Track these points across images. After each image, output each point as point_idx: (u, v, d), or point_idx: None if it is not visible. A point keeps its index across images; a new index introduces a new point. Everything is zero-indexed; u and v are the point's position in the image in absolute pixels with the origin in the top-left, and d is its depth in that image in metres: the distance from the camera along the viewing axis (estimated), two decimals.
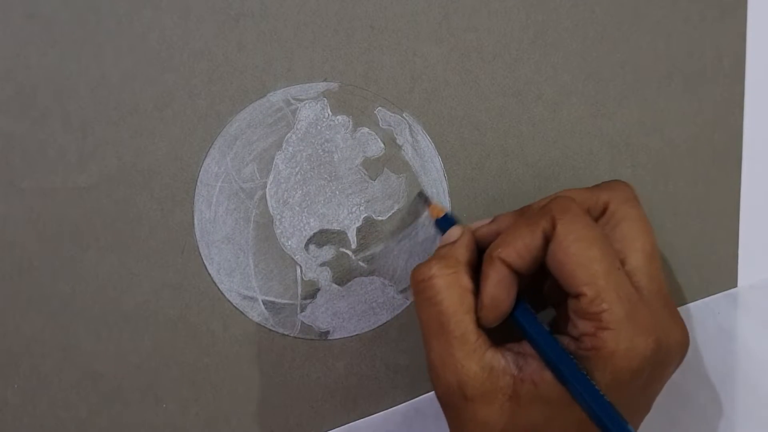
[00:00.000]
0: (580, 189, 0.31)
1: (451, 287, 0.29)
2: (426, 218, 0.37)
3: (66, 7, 0.35)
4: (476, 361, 0.28)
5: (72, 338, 0.36)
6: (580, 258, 0.28)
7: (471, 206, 0.38)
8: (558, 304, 0.32)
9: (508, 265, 0.29)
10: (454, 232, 0.32)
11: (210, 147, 0.36)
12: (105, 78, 0.36)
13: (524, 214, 0.31)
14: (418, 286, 0.30)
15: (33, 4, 0.35)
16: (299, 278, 0.37)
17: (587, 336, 0.28)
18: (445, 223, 0.34)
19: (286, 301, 0.37)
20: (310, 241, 0.37)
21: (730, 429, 0.37)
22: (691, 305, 0.38)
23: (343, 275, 0.37)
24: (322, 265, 0.37)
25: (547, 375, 0.28)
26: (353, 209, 0.37)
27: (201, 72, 0.36)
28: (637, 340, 0.27)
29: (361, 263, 0.37)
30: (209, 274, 0.37)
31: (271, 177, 0.37)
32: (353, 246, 0.37)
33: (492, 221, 0.32)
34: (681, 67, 0.39)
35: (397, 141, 0.37)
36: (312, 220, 0.37)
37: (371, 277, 0.37)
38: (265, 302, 0.37)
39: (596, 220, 0.31)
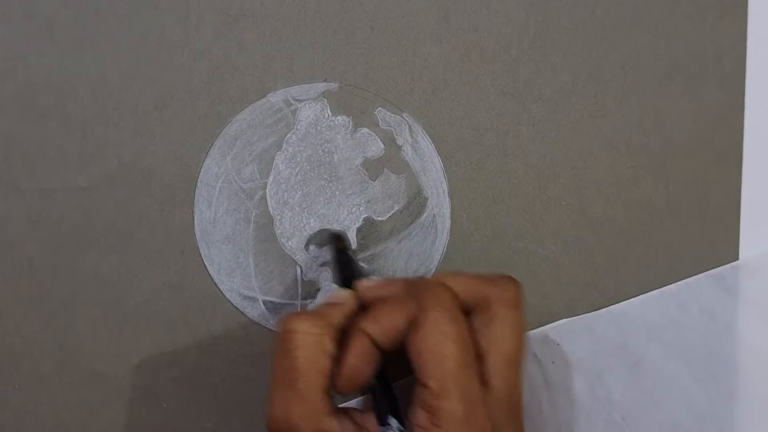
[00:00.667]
0: (469, 275, 0.31)
1: (311, 347, 0.29)
2: (426, 218, 0.37)
3: (66, 8, 0.35)
4: (311, 422, 0.28)
5: (72, 338, 0.36)
6: (435, 351, 0.28)
7: (471, 206, 0.38)
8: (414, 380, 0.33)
9: (372, 340, 0.29)
10: (342, 295, 0.32)
11: (210, 147, 0.36)
12: (105, 78, 0.36)
13: (407, 289, 0.31)
14: (281, 335, 0.30)
15: (33, 5, 0.35)
16: (299, 278, 0.37)
17: (421, 429, 0.28)
18: (345, 276, 0.34)
19: (286, 301, 0.37)
20: (310, 241, 0.37)
21: (713, 409, 0.37)
22: (673, 286, 0.38)
23: None
24: (323, 265, 0.37)
25: None
26: (353, 210, 0.37)
27: (201, 72, 0.36)
28: None
29: (361, 263, 0.37)
30: (209, 275, 0.37)
31: (271, 177, 0.37)
32: (353, 246, 0.37)
33: (382, 284, 0.32)
34: (681, 68, 0.39)
35: (397, 141, 0.37)
36: (312, 220, 0.37)
37: (371, 278, 0.37)
38: (265, 302, 0.37)
39: (476, 312, 0.31)
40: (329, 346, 0.29)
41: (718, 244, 0.39)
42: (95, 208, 0.36)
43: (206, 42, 0.36)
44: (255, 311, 0.37)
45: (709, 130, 0.39)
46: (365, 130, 0.37)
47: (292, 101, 0.37)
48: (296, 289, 0.37)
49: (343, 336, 0.30)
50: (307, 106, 0.37)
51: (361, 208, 0.37)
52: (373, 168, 0.37)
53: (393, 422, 0.29)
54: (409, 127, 0.37)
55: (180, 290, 0.36)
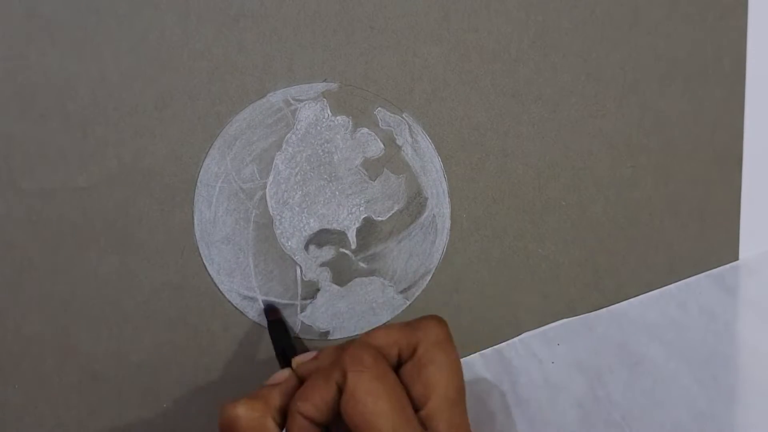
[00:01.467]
0: (393, 327, 0.31)
1: (252, 430, 0.29)
2: (426, 218, 0.37)
3: (66, 8, 0.35)
4: None
5: (72, 338, 0.36)
6: (366, 413, 0.28)
7: (471, 207, 0.38)
8: None
9: (309, 418, 0.29)
10: (279, 376, 0.32)
11: (210, 147, 0.36)
12: (105, 78, 0.36)
13: (333, 359, 0.31)
14: (223, 423, 0.29)
15: (33, 4, 0.35)
16: (299, 278, 0.37)
17: None
18: (284, 355, 0.34)
19: (286, 302, 0.37)
20: (310, 241, 0.37)
21: (713, 409, 0.37)
22: (673, 286, 0.38)
23: (343, 275, 0.37)
24: (322, 265, 0.37)
25: None
26: (353, 210, 0.37)
27: (201, 72, 0.36)
28: None
29: (361, 263, 0.37)
30: (209, 275, 0.37)
31: (270, 177, 0.37)
32: (353, 246, 0.37)
33: (315, 357, 0.32)
34: (681, 68, 0.39)
35: (397, 141, 0.37)
36: (312, 220, 0.37)
37: (371, 278, 0.37)
38: (264, 302, 0.37)
39: (407, 362, 0.30)
40: (272, 427, 0.29)
41: (718, 244, 0.39)
42: (95, 208, 0.36)
43: (206, 42, 0.36)
44: (254, 311, 0.37)
45: (709, 130, 0.39)
46: (365, 130, 0.37)
47: (292, 101, 0.37)
48: (296, 290, 0.37)
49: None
50: (306, 106, 0.37)
51: (360, 208, 0.37)
52: (372, 168, 0.37)
53: None
54: (409, 127, 0.37)
55: (180, 290, 0.36)
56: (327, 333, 0.37)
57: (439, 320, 0.31)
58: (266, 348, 0.37)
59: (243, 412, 0.29)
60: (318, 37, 0.37)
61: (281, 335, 0.35)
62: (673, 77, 0.39)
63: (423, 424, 0.29)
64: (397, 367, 0.30)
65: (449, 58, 0.37)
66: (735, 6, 0.39)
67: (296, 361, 0.32)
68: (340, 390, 0.28)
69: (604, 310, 0.38)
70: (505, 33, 0.38)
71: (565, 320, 0.38)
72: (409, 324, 0.31)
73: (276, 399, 0.30)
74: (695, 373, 0.37)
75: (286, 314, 0.37)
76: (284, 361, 0.33)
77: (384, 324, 0.31)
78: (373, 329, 0.30)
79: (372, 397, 0.28)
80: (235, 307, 0.37)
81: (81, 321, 0.36)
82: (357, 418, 0.28)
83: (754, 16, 0.39)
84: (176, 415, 0.37)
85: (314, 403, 0.29)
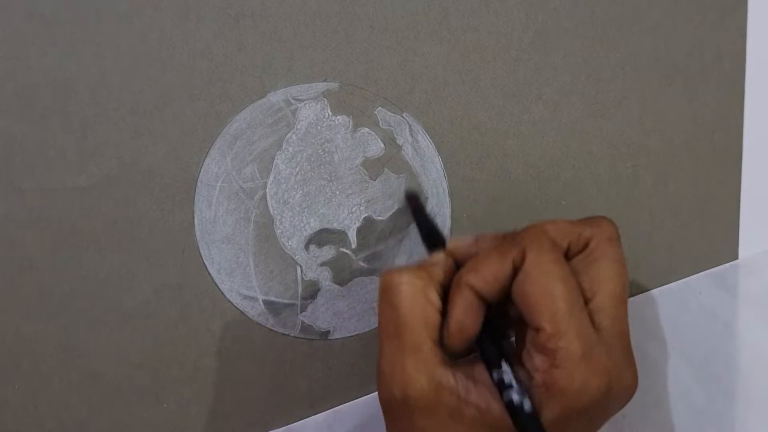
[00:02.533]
0: (564, 221, 0.31)
1: (415, 297, 0.29)
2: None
3: (66, 8, 0.35)
4: (425, 373, 0.28)
5: (72, 338, 0.36)
6: (545, 292, 0.28)
7: (471, 206, 0.38)
8: (519, 330, 0.32)
9: (476, 292, 0.29)
10: (437, 257, 0.31)
11: (210, 147, 0.36)
12: (105, 78, 0.36)
13: (503, 239, 0.31)
14: (385, 288, 0.29)
15: (33, 4, 0.35)
16: (299, 278, 0.37)
17: (540, 372, 0.28)
18: (431, 237, 0.33)
19: (286, 301, 0.37)
20: (310, 241, 0.37)
21: (713, 407, 0.37)
22: (673, 285, 0.38)
23: (344, 275, 0.37)
24: (323, 265, 0.37)
25: (495, 405, 0.28)
26: (353, 209, 0.37)
27: (201, 72, 0.36)
28: (589, 381, 0.27)
29: (361, 263, 0.37)
30: (209, 274, 0.37)
31: (271, 177, 0.37)
32: (353, 246, 0.37)
33: (473, 241, 0.32)
34: (681, 67, 0.39)
35: (397, 141, 0.37)
36: (312, 220, 0.37)
37: (371, 277, 0.37)
38: (265, 302, 0.37)
39: (576, 255, 0.30)
40: (434, 297, 0.29)
41: (717, 244, 0.39)
42: (95, 208, 0.36)
43: (206, 42, 0.36)
44: (255, 311, 0.37)
45: (708, 129, 0.39)
46: (365, 129, 0.37)
47: (293, 101, 0.37)
48: (296, 289, 0.37)
49: (445, 294, 0.30)
50: (307, 105, 0.37)
51: (361, 208, 0.37)
52: (373, 167, 0.37)
53: (505, 366, 0.28)
54: (409, 126, 0.37)
55: (180, 290, 0.36)
56: (327, 332, 0.37)
57: (610, 220, 0.31)
58: (266, 348, 0.37)
59: (407, 278, 0.29)
60: (318, 37, 0.37)
61: (426, 219, 0.34)
62: (673, 77, 0.39)
63: (590, 319, 0.29)
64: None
65: (449, 57, 0.37)
66: (735, 6, 0.39)
67: (452, 242, 0.32)
68: (515, 269, 0.29)
69: None
70: (506, 33, 0.38)
71: None
72: (582, 220, 0.31)
73: (438, 274, 0.30)
74: (695, 371, 0.38)
75: (287, 314, 0.37)
76: (430, 244, 0.33)
77: (553, 218, 0.31)
78: (546, 220, 0.30)
79: (552, 278, 0.28)
80: (235, 307, 0.37)
81: (81, 321, 0.36)
82: (533, 298, 0.28)
83: (754, 16, 0.39)
84: (176, 415, 0.37)
85: (485, 276, 0.29)
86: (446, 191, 0.38)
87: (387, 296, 0.29)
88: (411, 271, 0.29)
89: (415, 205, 0.36)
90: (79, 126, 0.36)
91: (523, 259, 0.29)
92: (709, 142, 0.39)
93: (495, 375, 0.28)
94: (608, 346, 0.29)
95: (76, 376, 0.36)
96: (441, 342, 0.29)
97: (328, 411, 0.37)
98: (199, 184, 0.36)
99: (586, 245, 0.30)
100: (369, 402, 0.37)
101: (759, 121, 0.39)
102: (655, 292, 0.38)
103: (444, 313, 0.29)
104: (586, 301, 0.29)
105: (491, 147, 0.38)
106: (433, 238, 0.33)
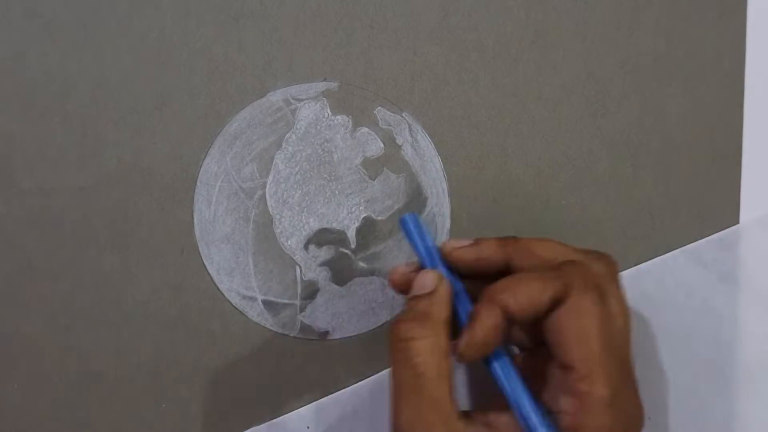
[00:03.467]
0: (604, 260, 0.31)
1: (430, 351, 0.28)
2: (426, 217, 0.37)
3: (66, 7, 0.35)
4: (448, 428, 0.28)
5: (72, 338, 0.36)
6: (582, 333, 0.28)
7: (471, 206, 0.38)
8: (529, 362, 0.32)
9: (507, 312, 0.28)
10: (428, 280, 0.31)
11: (210, 146, 0.36)
12: (105, 78, 0.36)
13: (538, 270, 0.30)
14: (397, 345, 0.29)
15: (33, 4, 0.35)
16: (299, 278, 0.37)
17: (569, 415, 0.28)
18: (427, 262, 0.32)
19: (285, 301, 0.37)
20: (309, 241, 0.37)
21: (694, 385, 0.37)
22: (649, 263, 0.38)
23: (343, 275, 0.37)
24: (322, 265, 0.37)
25: None
26: (353, 209, 0.37)
27: (201, 71, 0.36)
28: (614, 427, 0.27)
29: (360, 263, 0.37)
30: (209, 274, 0.36)
31: (270, 177, 0.37)
32: (353, 246, 0.37)
33: (473, 244, 0.32)
34: (681, 67, 0.39)
35: (397, 141, 0.37)
36: (311, 219, 0.37)
37: (371, 277, 0.37)
38: (264, 302, 0.37)
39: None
40: (446, 344, 0.29)
41: None
42: (95, 207, 0.36)
43: (206, 41, 0.36)
44: (254, 311, 0.37)
45: (708, 129, 0.39)
46: (365, 129, 0.37)
47: (292, 100, 0.37)
48: (295, 289, 0.37)
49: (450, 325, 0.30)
50: (306, 105, 0.37)
51: (360, 208, 0.37)
52: (372, 167, 0.37)
53: (532, 407, 0.28)
54: (409, 126, 0.37)
55: (179, 290, 0.36)
56: (327, 333, 0.37)
57: (610, 259, 0.31)
58: (265, 348, 0.37)
59: (418, 332, 0.29)
60: (318, 37, 0.37)
61: (421, 244, 0.33)
62: (673, 76, 0.39)
63: None
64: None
65: (449, 57, 0.37)
66: (734, 5, 0.39)
67: (449, 244, 0.32)
68: (554, 302, 0.28)
69: None
70: (505, 32, 0.38)
71: None
72: (584, 254, 0.31)
73: (443, 312, 0.30)
74: (674, 349, 0.37)
75: (286, 314, 0.37)
76: (424, 260, 0.32)
77: (598, 253, 0.31)
78: (592, 257, 0.30)
79: (591, 319, 0.28)
80: (235, 307, 0.37)
81: (81, 320, 0.36)
82: (570, 337, 0.28)
83: (754, 16, 0.39)
84: (176, 415, 0.37)
85: (520, 299, 0.28)
86: (446, 191, 0.38)
87: (401, 354, 0.29)
88: (420, 321, 0.29)
89: (407, 230, 0.35)
90: (78, 125, 0.36)
91: (567, 295, 0.28)
92: (709, 141, 0.39)
93: (521, 414, 0.28)
94: (629, 386, 0.29)
95: (75, 376, 0.36)
96: (456, 352, 0.29)
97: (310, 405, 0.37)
98: (198, 183, 0.36)
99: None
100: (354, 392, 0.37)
101: (759, 120, 0.39)
102: (630, 270, 0.38)
103: (454, 324, 0.29)
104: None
105: (491, 146, 0.38)
106: (425, 254, 0.32)
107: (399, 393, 0.29)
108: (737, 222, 0.39)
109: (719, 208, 0.39)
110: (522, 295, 0.28)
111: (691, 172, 0.39)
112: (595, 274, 0.30)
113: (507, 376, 0.29)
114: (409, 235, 0.33)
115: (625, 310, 0.30)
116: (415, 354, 0.28)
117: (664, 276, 0.38)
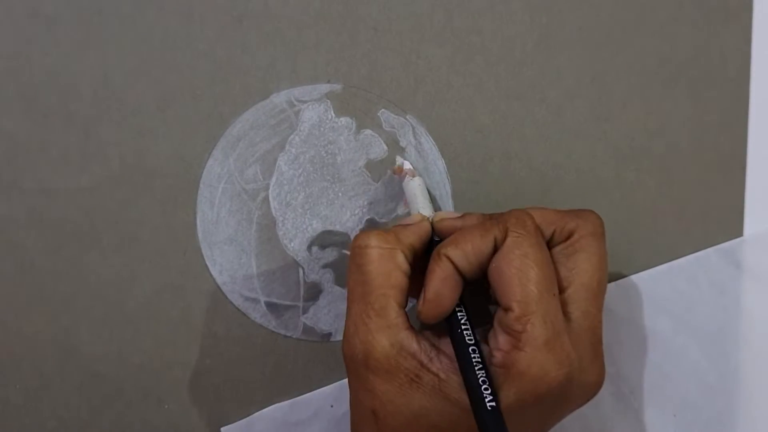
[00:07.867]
0: (551, 210, 0.31)
1: (383, 261, 0.29)
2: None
3: (69, 7, 0.35)
4: (388, 336, 0.29)
5: (74, 339, 0.36)
6: (520, 274, 0.28)
7: (474, 209, 0.38)
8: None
9: (455, 265, 0.29)
10: (415, 217, 0.33)
11: (213, 148, 0.36)
12: (108, 78, 0.36)
13: (488, 218, 0.31)
14: (354, 250, 0.30)
15: (36, 4, 0.35)
16: (302, 280, 0.37)
17: (502, 351, 0.28)
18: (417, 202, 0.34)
19: (288, 303, 0.37)
20: (312, 242, 0.37)
21: (723, 383, 0.37)
22: (682, 260, 0.38)
23: (346, 277, 0.37)
24: (325, 266, 0.37)
25: (454, 378, 0.28)
26: (356, 211, 0.37)
27: (204, 73, 0.36)
28: (548, 369, 0.27)
29: None
30: (211, 276, 0.36)
31: (273, 178, 0.37)
32: None
33: (460, 217, 0.32)
34: (686, 71, 0.38)
35: (401, 143, 0.37)
36: (315, 221, 0.37)
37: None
38: (267, 304, 0.37)
39: (558, 244, 0.31)
40: (402, 261, 0.30)
41: None
42: (97, 208, 0.36)
43: (209, 42, 0.36)
44: (257, 312, 0.37)
45: (713, 133, 0.39)
46: (368, 131, 0.37)
47: (296, 102, 0.37)
48: (298, 291, 0.37)
49: (419, 261, 0.30)
50: (310, 107, 0.37)
51: (363, 210, 0.37)
52: (376, 170, 0.37)
53: (471, 342, 0.29)
54: (413, 128, 0.37)
55: (182, 291, 0.36)
56: (329, 335, 0.37)
57: (596, 214, 0.31)
58: (268, 350, 0.37)
59: (375, 242, 0.30)
60: (322, 39, 0.37)
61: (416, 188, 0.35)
62: (678, 80, 0.38)
63: (562, 308, 0.29)
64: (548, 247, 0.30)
65: (453, 60, 0.37)
66: (740, 9, 0.39)
67: (439, 215, 0.33)
68: (495, 248, 0.29)
69: (613, 284, 0.38)
70: (509, 35, 0.37)
71: None
72: (569, 211, 0.31)
73: (408, 237, 0.31)
74: (704, 347, 0.37)
75: (289, 315, 0.37)
76: (416, 209, 0.34)
77: (542, 206, 0.31)
78: (534, 207, 0.31)
79: (529, 261, 0.28)
80: (238, 309, 0.37)
81: (82, 321, 0.36)
82: (506, 277, 0.28)
83: (759, 20, 0.39)
84: (178, 417, 0.37)
85: (464, 250, 0.29)
86: (449, 194, 0.38)
87: (355, 259, 0.30)
88: (380, 234, 0.30)
89: (402, 175, 0.36)
90: (81, 126, 0.35)
91: (504, 238, 0.29)
92: (714, 146, 0.39)
93: (459, 352, 0.29)
94: (575, 338, 0.29)
95: (77, 377, 0.36)
96: (416, 311, 0.30)
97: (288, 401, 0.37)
98: (201, 185, 0.36)
99: (569, 236, 0.31)
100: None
101: (764, 125, 0.39)
102: (663, 266, 0.38)
103: (420, 281, 0.30)
104: (561, 291, 0.30)
105: (495, 150, 0.38)
106: (419, 204, 0.34)
107: (350, 296, 0.30)
108: (741, 227, 0.39)
109: (723, 212, 0.39)
110: (465, 245, 0.29)
111: (695, 176, 0.39)
112: (549, 221, 0.30)
113: (455, 319, 0.29)
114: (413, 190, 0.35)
115: (595, 265, 0.30)
116: (368, 261, 0.29)
117: (697, 273, 0.38)
